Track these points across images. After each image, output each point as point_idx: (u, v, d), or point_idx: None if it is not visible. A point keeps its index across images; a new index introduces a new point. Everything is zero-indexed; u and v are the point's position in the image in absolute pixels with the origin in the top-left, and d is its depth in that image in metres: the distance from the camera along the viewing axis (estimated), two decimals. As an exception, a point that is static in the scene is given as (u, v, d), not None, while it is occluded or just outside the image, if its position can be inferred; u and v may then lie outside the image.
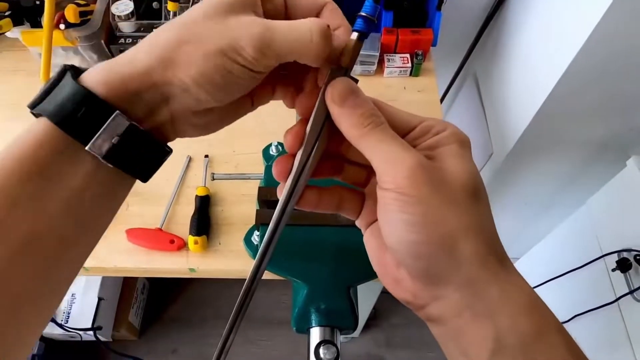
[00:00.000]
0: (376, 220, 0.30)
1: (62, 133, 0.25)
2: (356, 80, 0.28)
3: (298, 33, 0.25)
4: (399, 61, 0.93)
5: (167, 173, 0.81)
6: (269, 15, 0.27)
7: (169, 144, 0.30)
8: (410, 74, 0.93)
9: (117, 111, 0.25)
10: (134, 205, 0.78)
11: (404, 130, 0.29)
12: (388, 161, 0.26)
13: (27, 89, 0.92)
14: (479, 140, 1.16)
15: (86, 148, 0.25)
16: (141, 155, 0.28)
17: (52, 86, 0.26)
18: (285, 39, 0.25)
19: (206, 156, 0.82)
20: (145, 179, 0.29)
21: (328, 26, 0.26)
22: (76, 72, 0.26)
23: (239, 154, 0.84)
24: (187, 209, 0.77)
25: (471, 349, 0.26)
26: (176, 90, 0.26)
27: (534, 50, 0.90)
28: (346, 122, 0.27)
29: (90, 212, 0.27)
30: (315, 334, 0.55)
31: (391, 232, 0.26)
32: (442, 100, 1.26)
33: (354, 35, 0.28)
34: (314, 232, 0.52)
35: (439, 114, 0.90)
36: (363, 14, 0.28)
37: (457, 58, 1.14)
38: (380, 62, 0.93)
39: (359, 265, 0.52)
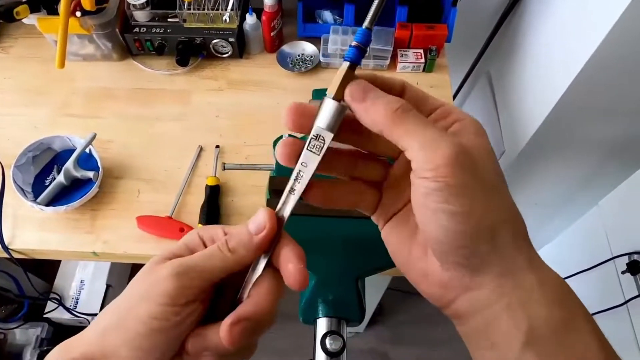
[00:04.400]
0: (395, 214, 0.30)
1: None
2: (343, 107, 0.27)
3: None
4: (412, 56, 0.92)
5: (178, 162, 0.81)
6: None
7: None
8: (424, 70, 0.93)
9: None
10: (144, 192, 0.79)
11: (425, 112, 0.27)
12: (426, 147, 0.24)
13: (42, 76, 0.93)
14: (490, 139, 1.15)
15: None
16: None
17: None
18: None
19: (217, 146, 0.83)
20: None
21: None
22: None
23: (249, 145, 0.84)
24: (198, 198, 0.77)
25: (501, 340, 0.25)
26: None
27: (550, 49, 0.89)
28: (374, 113, 0.25)
29: None
30: (322, 325, 0.55)
31: (432, 221, 0.25)
32: (454, 97, 1.25)
33: (345, 64, 0.26)
34: (323, 223, 0.52)
35: (451, 110, 0.89)
36: (355, 43, 0.27)
37: (471, 55, 1.13)
38: (394, 57, 0.93)
39: (367, 257, 0.52)
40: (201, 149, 0.83)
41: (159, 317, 0.26)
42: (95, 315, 1.19)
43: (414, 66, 0.92)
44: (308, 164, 0.27)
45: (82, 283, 1.23)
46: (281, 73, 0.93)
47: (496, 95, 1.14)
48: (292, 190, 0.28)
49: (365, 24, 0.27)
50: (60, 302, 1.18)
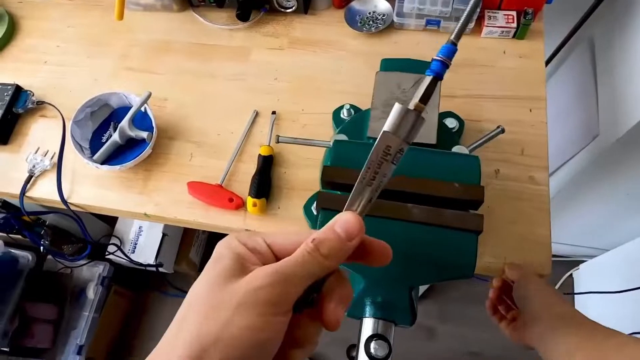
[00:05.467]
0: None
1: None
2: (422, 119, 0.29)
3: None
4: (502, 19, 0.79)
5: (232, 125, 0.77)
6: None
7: None
8: (514, 36, 0.80)
9: None
10: (197, 156, 0.76)
11: None
12: None
13: (103, 25, 0.91)
14: (582, 117, 1.00)
15: None
16: None
17: None
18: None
19: (273, 112, 0.77)
20: None
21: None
22: None
23: (307, 113, 0.78)
24: (249, 167, 0.73)
25: None
26: None
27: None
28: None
29: None
30: (368, 326, 0.51)
31: None
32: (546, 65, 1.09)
33: (428, 78, 0.28)
34: (379, 225, 0.45)
35: (542, 87, 0.76)
36: (439, 57, 0.29)
37: (572, 18, 0.96)
38: (480, 19, 0.80)
39: (427, 268, 0.45)
40: (257, 114, 0.78)
41: (261, 328, 0.25)
42: (151, 265, 1.24)
43: (502, 31, 0.79)
44: (386, 173, 0.30)
45: (140, 229, 1.27)
46: (348, 33, 0.84)
47: (597, 67, 0.97)
48: (370, 200, 0.30)
49: (452, 37, 0.29)
50: (119, 247, 1.24)
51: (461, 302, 1.51)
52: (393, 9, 0.81)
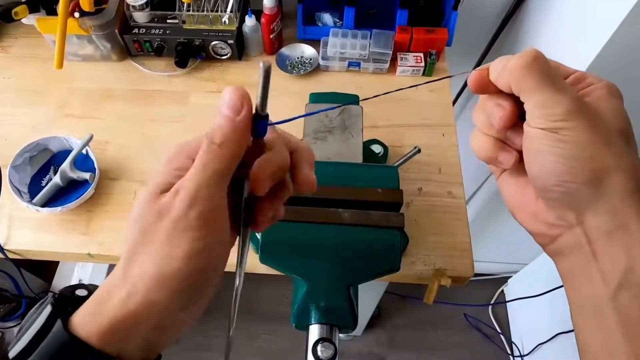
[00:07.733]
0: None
1: None
2: (266, 116, 0.30)
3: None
4: (412, 60, 0.91)
5: (174, 164, 0.81)
6: None
7: None
8: (423, 74, 0.92)
9: None
10: (141, 194, 0.78)
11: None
12: (544, 105, 0.27)
13: (41, 76, 0.93)
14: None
15: None
16: None
17: (41, 334, 0.25)
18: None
19: (214, 149, 0.82)
20: None
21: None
22: (64, 309, 0.26)
23: (247, 148, 0.83)
24: (193, 201, 0.77)
25: (599, 276, 0.26)
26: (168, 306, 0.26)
27: (551, 54, 0.89)
28: (506, 75, 0.29)
29: None
30: (314, 332, 0.55)
31: (540, 162, 0.28)
32: (454, 102, 1.24)
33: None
34: (316, 230, 0.51)
35: (451, 116, 0.88)
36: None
37: (472, 59, 1.12)
38: (393, 61, 0.92)
39: (359, 265, 0.51)
40: (198, 151, 0.83)
41: (199, 252, 0.25)
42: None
43: (413, 70, 0.92)
44: None
45: (80, 283, 1.23)
46: (280, 75, 0.93)
47: (497, 100, 1.13)
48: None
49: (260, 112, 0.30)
50: (58, 302, 1.18)
51: (408, 328, 1.57)
52: (318, 53, 0.92)
